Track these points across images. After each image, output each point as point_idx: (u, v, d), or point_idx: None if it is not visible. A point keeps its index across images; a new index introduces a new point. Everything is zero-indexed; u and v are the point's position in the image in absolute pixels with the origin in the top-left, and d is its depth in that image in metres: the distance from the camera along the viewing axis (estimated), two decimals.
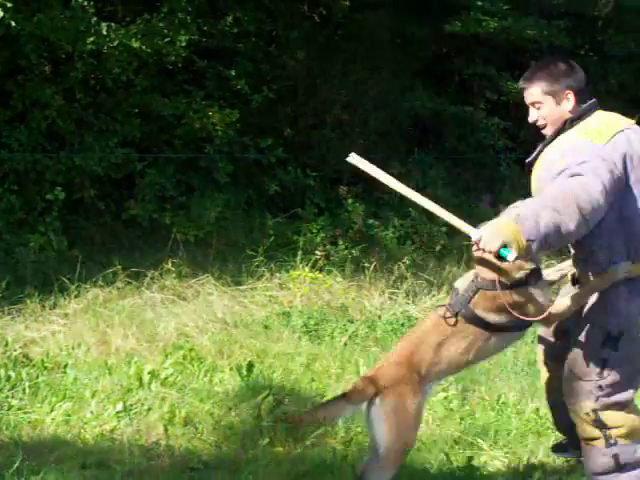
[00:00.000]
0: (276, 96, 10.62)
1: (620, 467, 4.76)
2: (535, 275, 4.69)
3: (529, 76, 4.84)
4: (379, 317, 8.22)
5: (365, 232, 10.42)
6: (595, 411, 4.69)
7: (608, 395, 4.66)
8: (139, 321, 7.41)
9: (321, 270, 8.96)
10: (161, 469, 5.19)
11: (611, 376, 4.63)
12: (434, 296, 8.81)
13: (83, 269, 8.09)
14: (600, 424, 4.70)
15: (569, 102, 4.76)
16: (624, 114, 4.78)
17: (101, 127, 9.57)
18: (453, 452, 5.63)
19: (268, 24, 10.95)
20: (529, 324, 4.78)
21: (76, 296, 7.78)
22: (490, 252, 4.14)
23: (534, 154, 4.79)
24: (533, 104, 4.84)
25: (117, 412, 5.84)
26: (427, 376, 4.79)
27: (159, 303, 7.88)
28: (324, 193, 10.95)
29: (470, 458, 5.52)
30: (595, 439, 4.73)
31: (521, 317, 4.61)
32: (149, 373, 6.37)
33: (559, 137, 4.74)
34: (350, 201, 10.56)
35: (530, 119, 4.88)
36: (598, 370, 4.64)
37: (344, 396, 4.79)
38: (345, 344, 7.47)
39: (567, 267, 4.98)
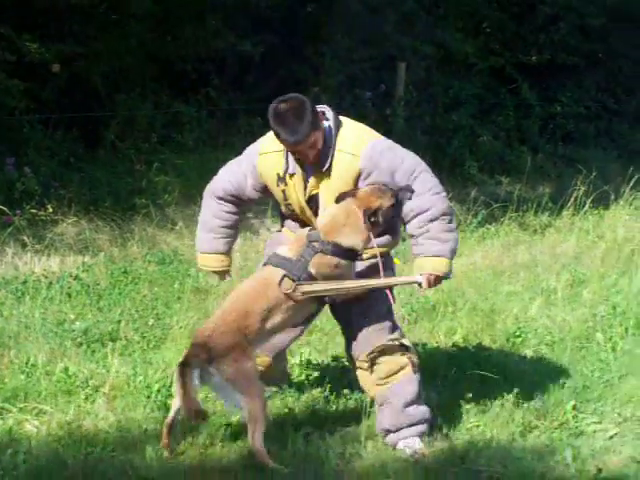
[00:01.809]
0: None
1: (419, 397, 5.57)
2: None
3: (300, 132, 5.15)
4: None
5: None
6: (397, 339, 5.53)
7: (397, 327, 5.61)
8: None
9: None
10: None
11: (392, 314, 5.60)
12: None
13: None
14: (405, 348, 5.53)
15: (321, 120, 5.30)
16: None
17: None
18: None
19: None
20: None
21: None
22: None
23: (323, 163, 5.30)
24: (311, 146, 5.22)
25: None
26: (252, 343, 5.12)
27: None
28: None
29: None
30: (403, 368, 5.50)
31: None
32: None
33: (345, 138, 5.31)
34: None
35: (310, 159, 5.30)
36: (388, 311, 5.54)
37: (184, 365, 4.98)
38: None
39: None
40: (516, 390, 6.16)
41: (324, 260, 5.26)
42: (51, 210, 10.16)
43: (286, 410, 5.86)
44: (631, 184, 11.68)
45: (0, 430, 5.44)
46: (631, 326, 7.65)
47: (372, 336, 5.50)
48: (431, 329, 7.46)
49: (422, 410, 5.59)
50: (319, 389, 6.18)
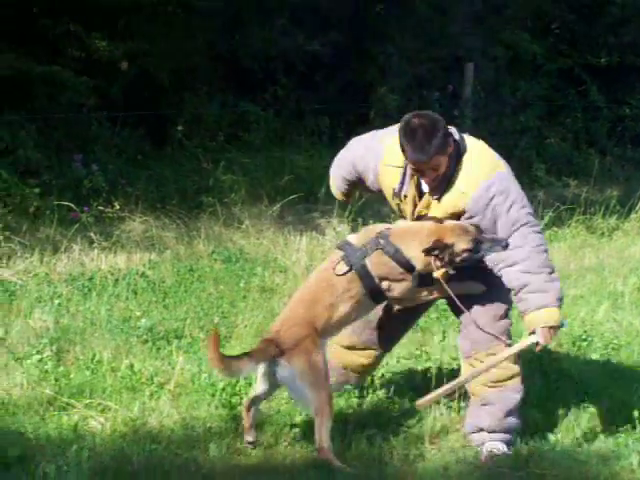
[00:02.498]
0: None
1: (519, 407, 5.55)
2: None
3: (425, 152, 5.08)
4: None
5: None
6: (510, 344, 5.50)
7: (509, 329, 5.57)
8: None
9: None
10: None
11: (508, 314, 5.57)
12: (27, 258, 8.68)
13: None
14: (518, 356, 5.47)
15: (450, 145, 5.20)
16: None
17: None
18: (48, 414, 5.61)
19: None
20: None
21: None
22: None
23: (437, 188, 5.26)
24: (433, 168, 5.15)
25: None
26: (322, 332, 5.16)
27: None
28: None
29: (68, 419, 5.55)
30: (513, 377, 5.47)
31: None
32: None
33: (463, 171, 5.21)
34: None
35: (429, 180, 5.23)
36: (506, 311, 5.51)
37: (247, 354, 5.07)
38: None
39: None
40: (582, 394, 6.10)
41: (382, 259, 5.24)
42: (118, 207, 10.23)
43: (350, 411, 5.84)
44: None
45: (65, 426, 5.48)
46: None
47: (487, 340, 5.45)
48: None
49: (517, 421, 5.57)
50: (383, 390, 6.15)
